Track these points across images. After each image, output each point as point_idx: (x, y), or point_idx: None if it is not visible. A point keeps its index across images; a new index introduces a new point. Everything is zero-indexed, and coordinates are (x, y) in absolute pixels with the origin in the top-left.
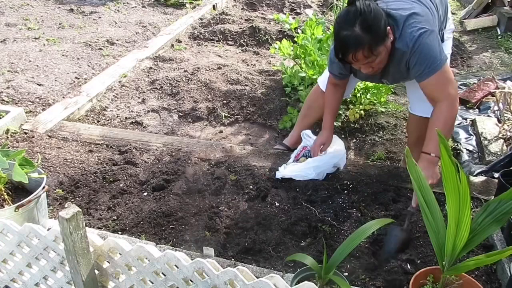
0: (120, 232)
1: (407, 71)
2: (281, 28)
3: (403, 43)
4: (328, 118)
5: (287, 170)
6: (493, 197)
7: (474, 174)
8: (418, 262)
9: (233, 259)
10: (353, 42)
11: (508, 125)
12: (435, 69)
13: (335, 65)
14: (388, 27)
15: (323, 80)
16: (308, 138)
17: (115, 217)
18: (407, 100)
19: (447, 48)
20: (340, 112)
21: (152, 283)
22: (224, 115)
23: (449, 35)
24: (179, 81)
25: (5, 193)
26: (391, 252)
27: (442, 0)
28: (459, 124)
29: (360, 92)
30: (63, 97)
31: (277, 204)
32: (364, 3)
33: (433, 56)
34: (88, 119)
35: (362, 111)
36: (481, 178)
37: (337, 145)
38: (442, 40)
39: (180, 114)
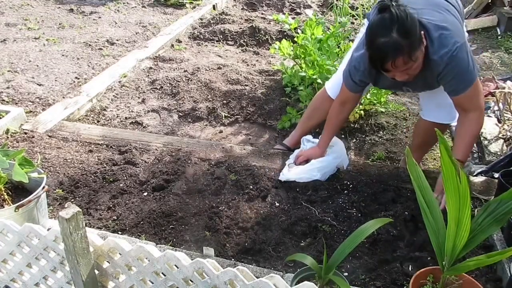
0: (120, 232)
1: (435, 82)
2: (281, 28)
3: (437, 55)
4: (326, 136)
5: (291, 173)
6: (493, 197)
7: (474, 174)
8: (418, 262)
9: (233, 259)
10: (392, 49)
11: (508, 125)
12: (470, 84)
13: (359, 73)
14: (422, 32)
15: (330, 87)
16: (307, 143)
17: (115, 217)
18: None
19: None
20: None
21: (152, 283)
22: (224, 115)
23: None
24: (179, 81)
25: (5, 193)
26: None
27: (461, 9)
28: None
29: None
30: (63, 97)
31: (277, 204)
32: (399, 8)
33: (468, 72)
34: (88, 119)
35: (362, 111)
36: (481, 178)
37: (338, 145)
38: None
39: (180, 114)
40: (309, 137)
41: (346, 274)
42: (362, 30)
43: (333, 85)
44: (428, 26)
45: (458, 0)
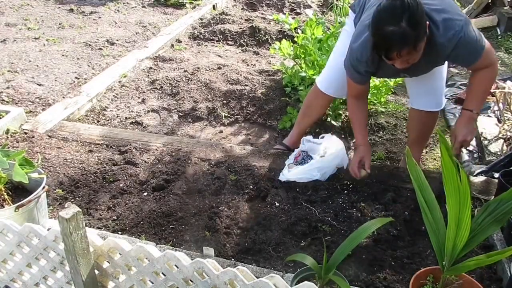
0: (120, 232)
1: (440, 63)
2: (281, 28)
3: (445, 38)
4: (360, 133)
5: (291, 174)
6: (493, 197)
7: (474, 174)
8: (418, 262)
9: (233, 259)
10: (400, 38)
11: (508, 125)
12: (481, 52)
13: (362, 64)
14: (427, 22)
15: (321, 80)
16: (307, 142)
17: (115, 217)
18: (408, 100)
19: None
20: (340, 112)
21: (152, 283)
22: (224, 115)
23: None
24: (179, 81)
25: (5, 193)
26: None
27: None
28: None
29: None
30: (63, 97)
31: (277, 204)
32: None
33: (477, 44)
34: (88, 119)
35: None
36: (481, 178)
37: (338, 145)
38: None
39: (180, 114)
40: (309, 137)
41: (346, 274)
42: (348, 23)
43: (323, 79)
44: (429, 12)
45: None
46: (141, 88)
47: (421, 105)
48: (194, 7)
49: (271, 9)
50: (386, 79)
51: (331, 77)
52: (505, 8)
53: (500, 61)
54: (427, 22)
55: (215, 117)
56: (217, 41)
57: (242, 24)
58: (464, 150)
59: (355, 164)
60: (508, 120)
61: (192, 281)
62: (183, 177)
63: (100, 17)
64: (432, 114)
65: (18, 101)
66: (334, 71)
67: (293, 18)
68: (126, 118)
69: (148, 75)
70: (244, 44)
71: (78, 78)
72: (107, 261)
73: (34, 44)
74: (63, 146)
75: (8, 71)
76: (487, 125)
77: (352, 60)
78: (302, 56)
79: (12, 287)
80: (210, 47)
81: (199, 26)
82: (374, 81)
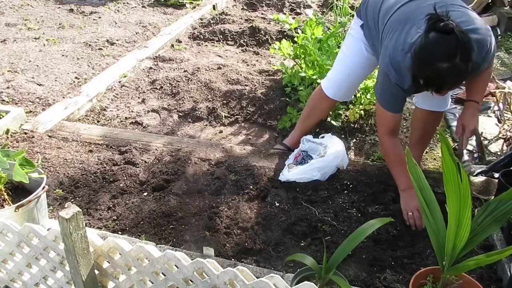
0: (120, 232)
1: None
2: (281, 28)
3: (480, 57)
4: (404, 175)
5: (291, 174)
6: (493, 197)
7: (474, 174)
8: (418, 262)
9: (233, 259)
10: (456, 76)
11: (508, 125)
12: (492, 57)
13: (401, 92)
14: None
15: (327, 86)
16: (307, 142)
17: (115, 217)
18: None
19: None
20: (340, 112)
21: (152, 283)
22: (224, 115)
23: None
24: (179, 81)
25: (5, 193)
26: None
27: None
28: None
29: (360, 92)
30: (63, 97)
31: (277, 204)
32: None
33: (490, 48)
34: (88, 119)
35: (362, 111)
36: (481, 178)
37: (338, 145)
38: None
39: (180, 114)
40: (309, 137)
41: (346, 274)
42: (355, 27)
43: (331, 85)
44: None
45: None
46: (141, 88)
47: (427, 105)
48: (194, 7)
49: (271, 9)
50: None
51: (339, 82)
52: (505, 8)
53: (500, 61)
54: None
55: (215, 117)
56: (217, 41)
57: (242, 24)
58: (464, 150)
59: (416, 213)
60: (508, 120)
61: (192, 281)
62: (183, 177)
63: (100, 17)
64: (437, 114)
65: (18, 101)
66: (341, 76)
67: (293, 18)
68: (126, 118)
69: (148, 75)
70: (244, 44)
71: (78, 78)
72: (107, 261)
73: (34, 44)
74: (63, 146)
75: (8, 71)
76: (487, 125)
77: (392, 90)
78: (302, 56)
79: (12, 287)
80: (210, 47)
81: (199, 26)
82: (375, 81)
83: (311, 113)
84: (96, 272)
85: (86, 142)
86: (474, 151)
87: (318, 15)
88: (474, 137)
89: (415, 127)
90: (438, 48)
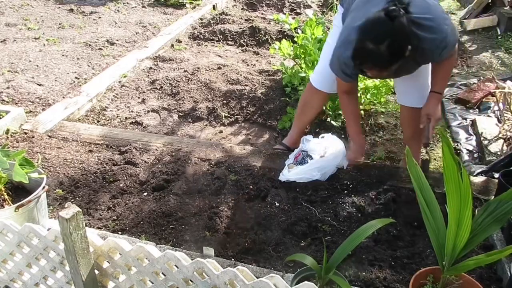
0: (120, 232)
1: (427, 64)
2: (281, 28)
3: (432, 44)
4: (353, 126)
5: (291, 174)
6: (493, 197)
7: (474, 174)
8: (418, 262)
9: (233, 259)
10: (374, 59)
11: (508, 125)
12: (453, 48)
13: (350, 68)
14: (409, 47)
15: (314, 77)
16: (307, 142)
17: (115, 217)
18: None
19: None
20: (340, 112)
21: (152, 283)
22: (224, 115)
23: None
24: (179, 81)
25: (5, 193)
26: None
27: None
28: (459, 124)
29: (360, 92)
30: (63, 97)
31: (277, 204)
32: (401, 23)
33: (454, 42)
34: (88, 119)
35: (362, 111)
36: (481, 178)
37: (338, 145)
38: None
39: (180, 114)
40: (309, 137)
41: (346, 274)
42: (337, 18)
43: (317, 76)
44: (418, 20)
45: None
46: (141, 88)
47: (406, 101)
48: (194, 7)
49: (271, 9)
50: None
51: (324, 73)
52: (505, 8)
53: (500, 61)
54: (409, 47)
55: (215, 117)
56: (217, 41)
57: (242, 24)
58: (464, 150)
59: (358, 155)
60: (508, 120)
61: (192, 281)
62: (183, 177)
63: (100, 17)
64: (420, 110)
65: (18, 101)
66: (326, 66)
67: (293, 18)
68: (126, 118)
69: (148, 75)
70: (244, 44)
71: (78, 78)
72: (107, 261)
73: (34, 44)
74: (63, 146)
75: (8, 71)
76: (487, 125)
77: (341, 64)
78: (302, 56)
79: (12, 287)
80: (210, 47)
81: (199, 26)
82: (374, 81)
83: (304, 109)
84: (96, 272)
85: (86, 142)
86: (474, 151)
87: (318, 15)
88: (473, 137)
89: (404, 125)
90: (374, 29)
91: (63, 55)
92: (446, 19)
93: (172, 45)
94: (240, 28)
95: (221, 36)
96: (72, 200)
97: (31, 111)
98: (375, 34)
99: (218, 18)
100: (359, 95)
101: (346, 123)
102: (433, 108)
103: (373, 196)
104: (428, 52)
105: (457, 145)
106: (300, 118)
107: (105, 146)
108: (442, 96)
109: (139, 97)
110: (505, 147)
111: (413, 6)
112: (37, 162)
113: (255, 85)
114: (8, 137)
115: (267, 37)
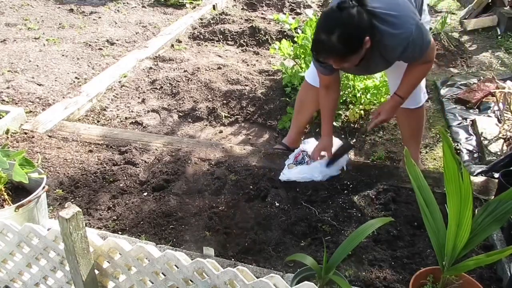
0: (120, 232)
1: (394, 61)
2: (281, 28)
3: (393, 41)
4: (325, 123)
5: (292, 173)
6: (493, 197)
7: (474, 174)
8: (418, 262)
9: (233, 259)
10: (326, 49)
11: (508, 125)
12: (426, 50)
13: (321, 65)
14: (367, 38)
15: (308, 74)
16: (308, 143)
17: (115, 217)
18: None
19: None
20: (340, 112)
21: (152, 283)
22: (224, 115)
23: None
24: (179, 81)
25: (5, 193)
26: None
27: None
28: (459, 124)
29: (360, 92)
30: (63, 97)
31: (277, 204)
32: (350, 13)
33: (423, 44)
34: (88, 119)
35: (362, 111)
36: (481, 178)
37: (337, 145)
38: None
39: (180, 114)
40: (311, 139)
41: (346, 274)
42: None
43: (311, 72)
44: (381, 16)
45: None
46: (141, 88)
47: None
48: (194, 7)
49: (271, 9)
50: (386, 79)
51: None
52: (505, 8)
53: (500, 61)
54: (367, 38)
55: (215, 117)
56: (217, 41)
57: (242, 24)
58: (464, 150)
59: (317, 153)
60: (508, 120)
61: (192, 281)
62: (183, 177)
63: (100, 17)
64: (415, 111)
65: (18, 101)
66: None
67: (293, 18)
68: (126, 118)
69: (148, 75)
70: (244, 44)
71: (78, 78)
72: (107, 261)
73: (34, 44)
74: (63, 146)
75: (8, 71)
76: (487, 125)
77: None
78: (302, 56)
79: (12, 287)
80: (210, 47)
81: (199, 26)
82: (375, 82)
83: (301, 107)
84: (96, 272)
85: (86, 142)
86: (474, 151)
87: (318, 15)
88: (473, 137)
89: (401, 126)
90: (325, 20)
91: (63, 55)
92: (413, 19)
93: (172, 45)
94: (240, 28)
95: (221, 36)
96: (72, 200)
97: (31, 111)
98: (325, 24)
99: (218, 18)
100: (358, 95)
101: (322, 120)
102: (388, 108)
103: (373, 196)
104: (390, 48)
105: (457, 145)
106: (297, 116)
107: (105, 146)
108: (403, 100)
109: (139, 97)
110: (505, 147)
111: (376, 1)
112: (37, 162)
113: (255, 85)
114: (8, 137)
115: (267, 37)
